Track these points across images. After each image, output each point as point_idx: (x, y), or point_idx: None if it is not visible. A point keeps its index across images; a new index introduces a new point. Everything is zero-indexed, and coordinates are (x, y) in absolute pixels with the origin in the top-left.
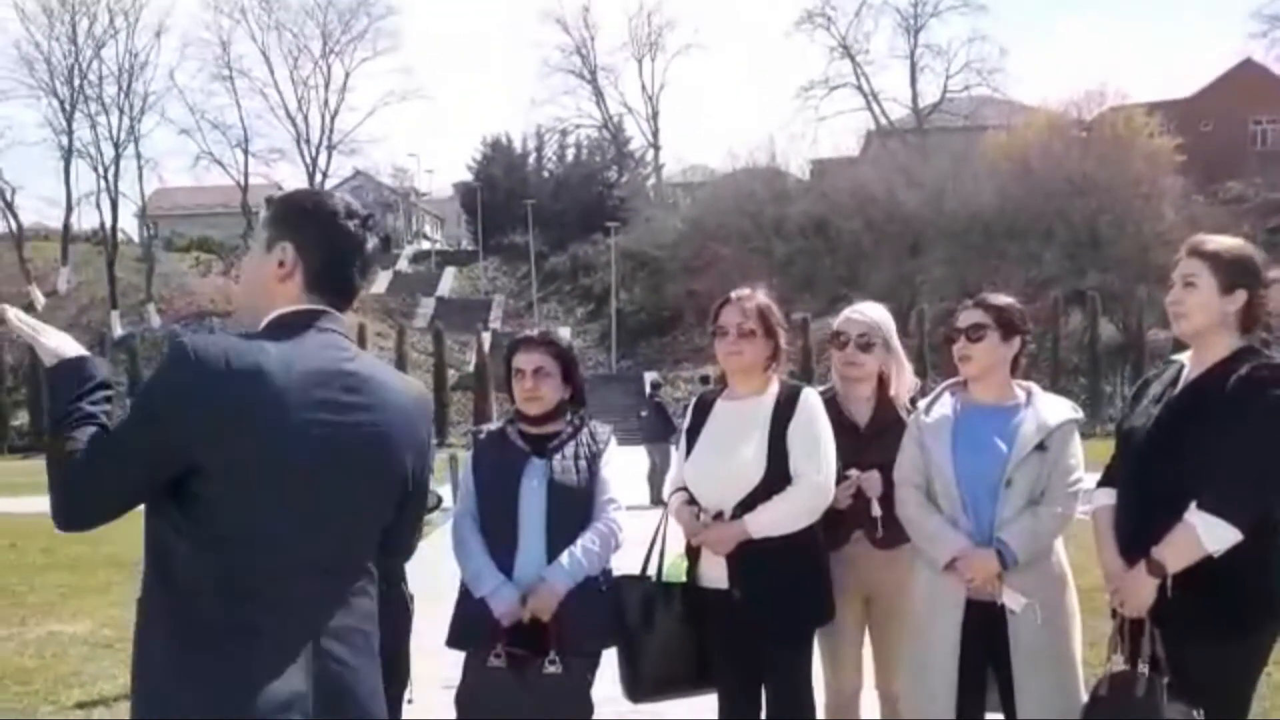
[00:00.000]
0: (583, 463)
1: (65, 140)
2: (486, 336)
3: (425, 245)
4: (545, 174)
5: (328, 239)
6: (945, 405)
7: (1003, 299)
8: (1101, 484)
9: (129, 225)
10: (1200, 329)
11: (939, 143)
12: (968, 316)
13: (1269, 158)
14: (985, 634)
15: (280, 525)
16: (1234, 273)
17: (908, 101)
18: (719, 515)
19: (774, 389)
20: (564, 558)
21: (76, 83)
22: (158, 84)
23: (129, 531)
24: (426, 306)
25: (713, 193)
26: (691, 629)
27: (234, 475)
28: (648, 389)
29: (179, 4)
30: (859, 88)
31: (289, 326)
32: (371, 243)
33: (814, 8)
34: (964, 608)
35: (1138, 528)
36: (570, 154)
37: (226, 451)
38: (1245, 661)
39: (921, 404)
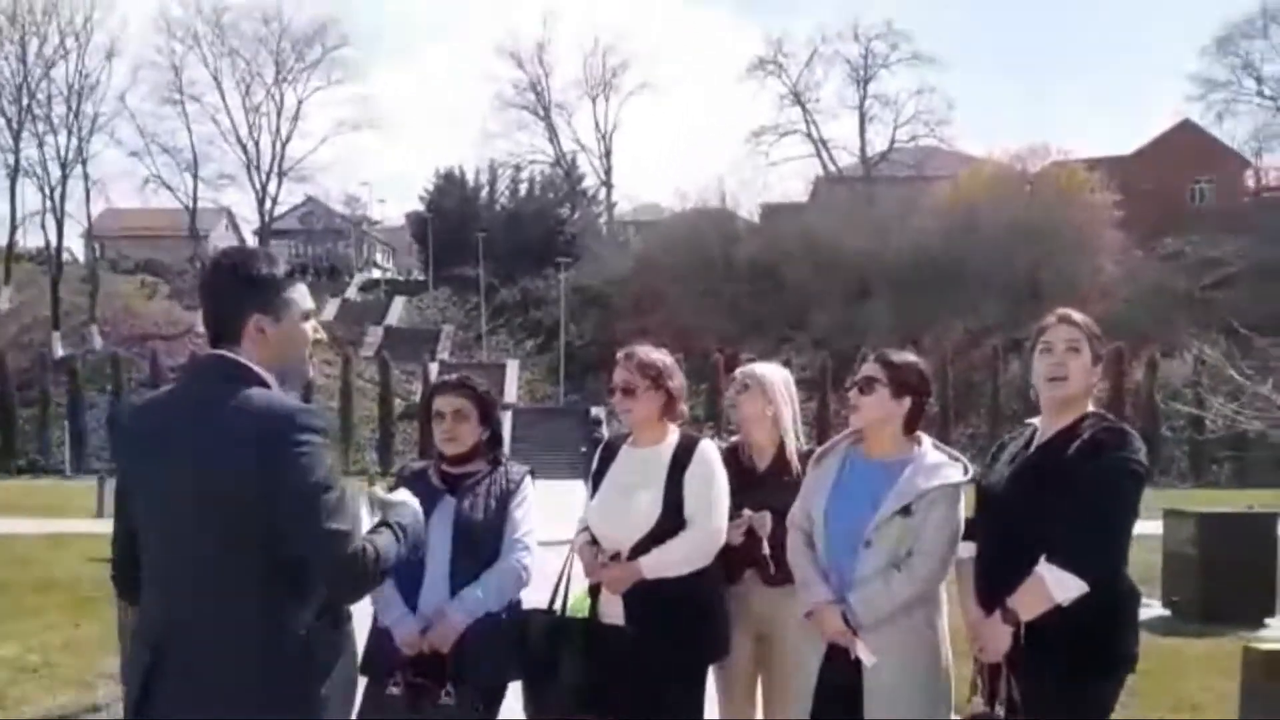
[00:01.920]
0: (493, 501)
1: (11, 159)
2: (434, 367)
3: (375, 274)
4: (498, 207)
5: None
6: (836, 455)
7: (904, 357)
8: (965, 538)
9: (75, 245)
10: (1075, 394)
11: (886, 191)
12: (865, 369)
13: (1205, 216)
14: (843, 685)
15: None
16: (1098, 345)
17: (856, 150)
18: (616, 555)
19: (673, 439)
20: (465, 592)
21: (24, 102)
22: (108, 106)
23: (61, 557)
24: (374, 335)
25: (663, 232)
26: (592, 663)
27: None
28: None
29: (131, 27)
30: (809, 135)
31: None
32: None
33: (766, 55)
34: (824, 653)
35: (995, 579)
36: (523, 189)
37: None
38: (1094, 704)
39: (819, 450)
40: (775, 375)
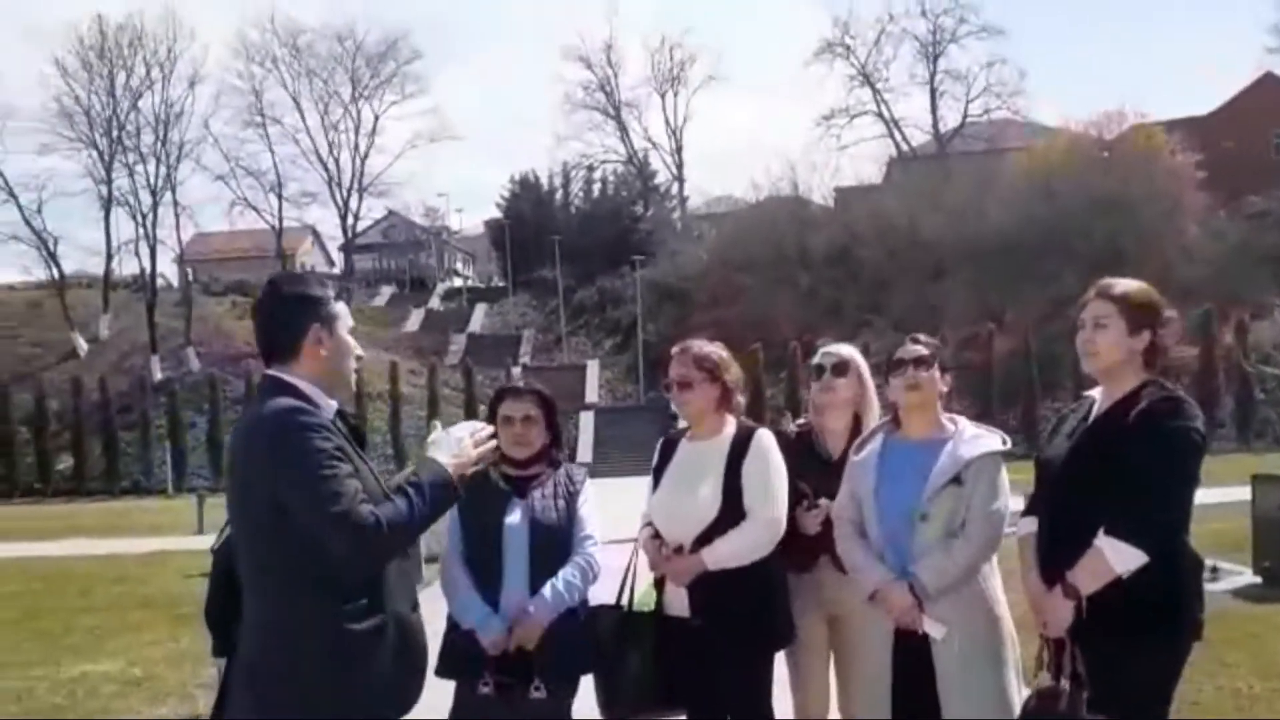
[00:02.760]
0: (561, 502)
1: (105, 190)
2: (516, 371)
3: (457, 283)
4: (572, 209)
5: None
6: (875, 443)
7: (930, 339)
8: (1026, 513)
9: (168, 270)
10: (1108, 366)
11: (960, 167)
12: (912, 350)
13: None
14: (916, 662)
15: None
16: (1141, 314)
17: (929, 127)
18: (679, 548)
19: (730, 430)
20: (546, 590)
21: (115, 134)
22: (193, 132)
23: (161, 574)
24: (458, 343)
25: (736, 223)
26: (660, 655)
27: None
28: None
29: (212, 54)
30: (880, 115)
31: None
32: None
33: (833, 38)
34: (893, 637)
35: (1055, 553)
36: (596, 189)
37: None
38: (1158, 674)
39: (857, 440)
40: (861, 360)
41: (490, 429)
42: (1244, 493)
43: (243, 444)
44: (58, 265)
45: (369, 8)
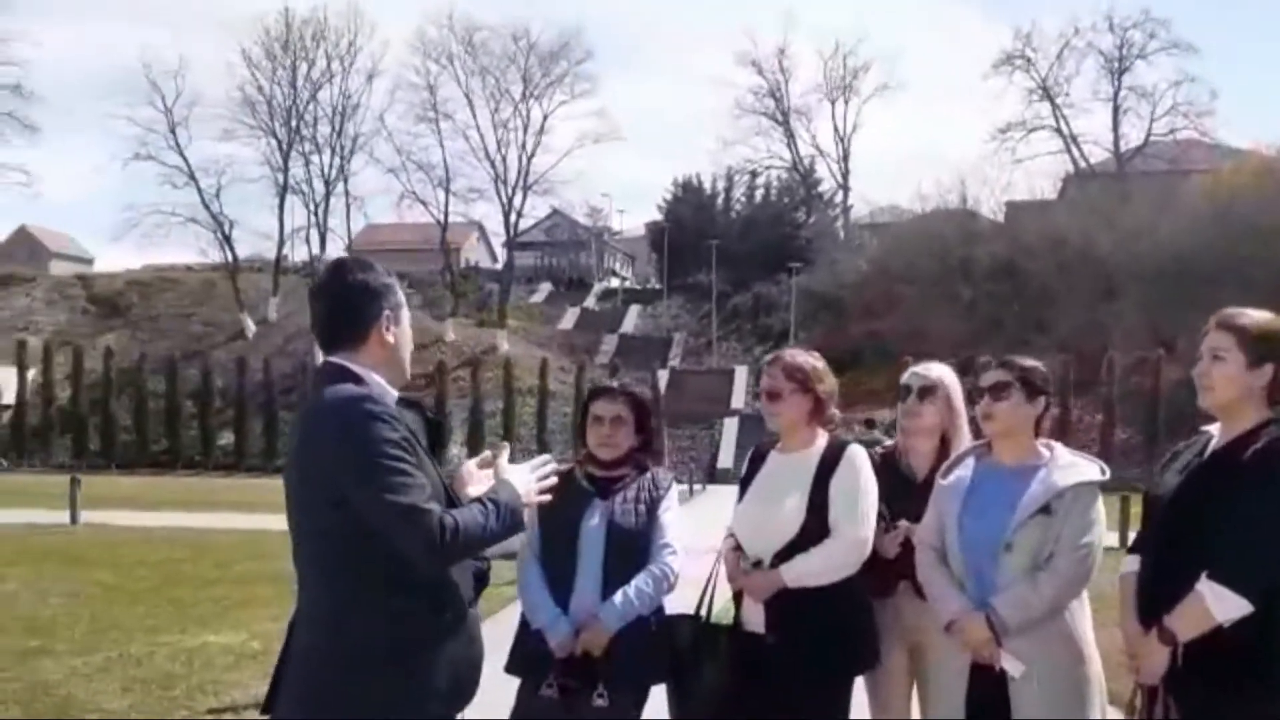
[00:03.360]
0: (642, 507)
1: (281, 178)
2: (663, 374)
3: (614, 283)
4: (733, 214)
5: None
6: (965, 468)
7: (1028, 361)
8: (1132, 550)
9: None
10: (1226, 402)
11: (1140, 186)
12: (991, 376)
13: None
14: (994, 699)
15: None
16: (1262, 347)
17: (1109, 144)
18: (759, 563)
19: (821, 444)
20: (617, 597)
21: (294, 123)
22: (368, 125)
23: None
24: (609, 343)
25: (900, 234)
26: (735, 670)
27: None
28: None
29: (391, 50)
30: (1058, 130)
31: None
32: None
33: (1014, 50)
34: (969, 672)
35: (1157, 594)
36: (759, 195)
37: None
38: None
39: (945, 464)
40: (955, 381)
41: (554, 466)
42: None
43: (304, 431)
44: (232, 249)
45: (543, 7)
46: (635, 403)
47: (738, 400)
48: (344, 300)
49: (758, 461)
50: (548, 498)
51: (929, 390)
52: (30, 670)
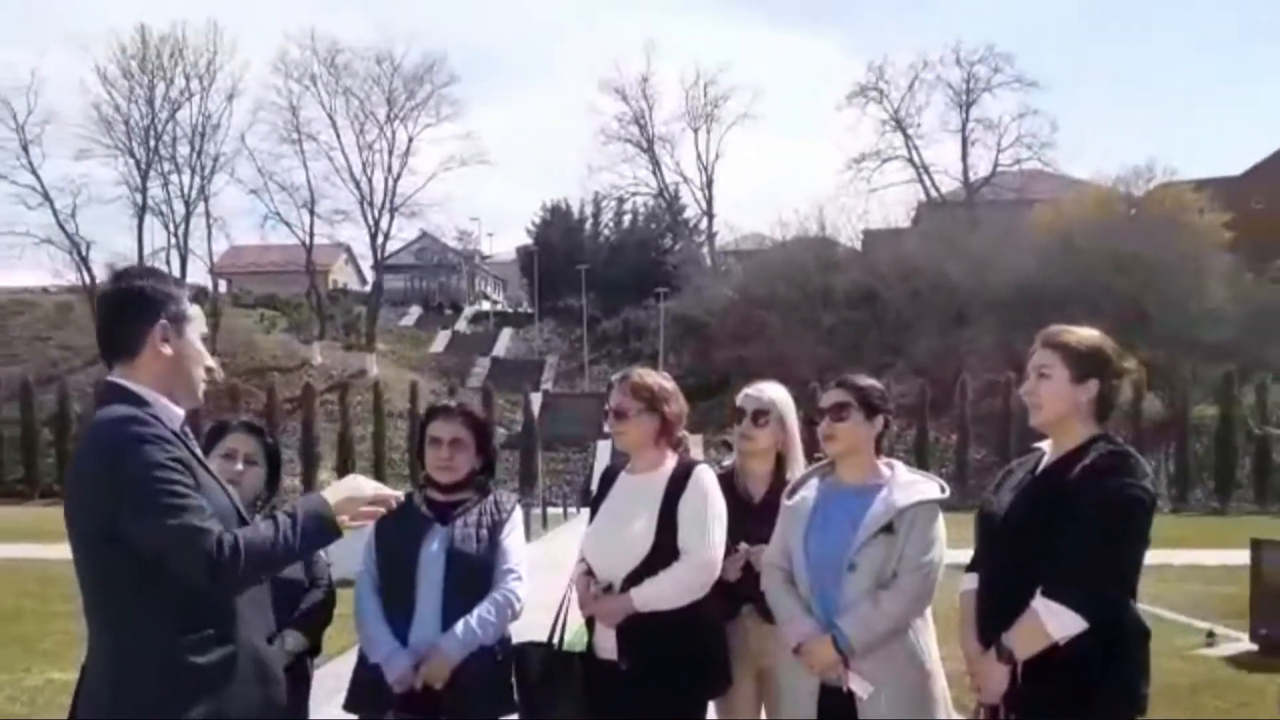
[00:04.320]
0: (484, 531)
1: (139, 198)
2: (536, 397)
3: (486, 306)
4: (601, 239)
5: None
6: (810, 488)
7: (865, 380)
8: (970, 568)
9: (201, 280)
10: (1054, 418)
11: (988, 215)
12: (831, 396)
13: None
14: (841, 717)
15: None
16: (1085, 364)
17: (959, 174)
18: (609, 587)
19: (669, 465)
20: (459, 626)
21: (152, 143)
22: (229, 145)
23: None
24: (481, 366)
25: (763, 261)
26: (589, 697)
27: None
28: None
29: (252, 69)
30: (910, 160)
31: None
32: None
33: (867, 82)
34: (817, 693)
35: (994, 613)
36: (626, 220)
37: None
38: None
39: (790, 485)
40: (789, 402)
41: (398, 495)
42: (1244, 557)
43: (76, 456)
44: (89, 270)
45: (409, 30)
46: (474, 423)
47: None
48: (117, 309)
49: (608, 483)
50: (366, 524)
51: (763, 413)
52: None
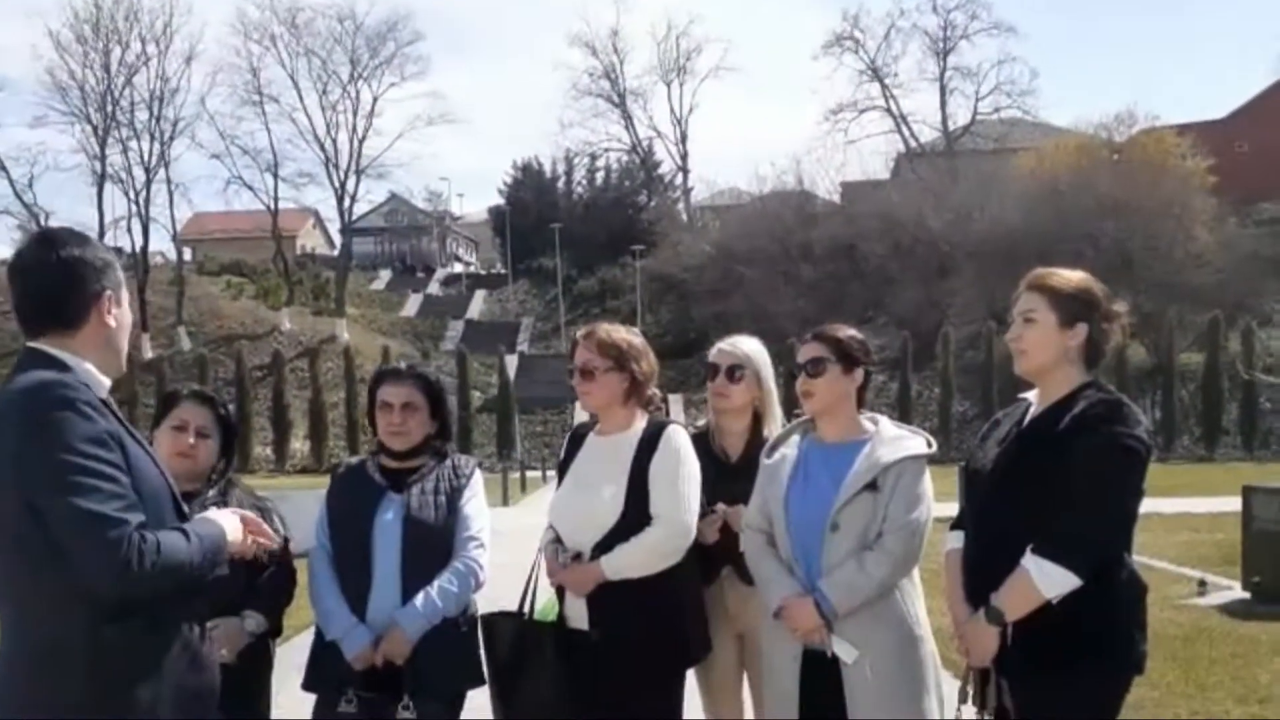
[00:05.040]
0: (442, 498)
1: (98, 166)
2: (511, 359)
3: (458, 269)
4: (575, 197)
5: None
6: (791, 445)
7: (844, 331)
8: (954, 526)
9: (165, 248)
10: (1041, 366)
11: (968, 165)
12: (807, 350)
13: None
14: (825, 686)
15: None
16: (1073, 306)
17: (938, 124)
18: (578, 555)
19: (639, 425)
20: (418, 599)
21: (109, 109)
22: (188, 110)
23: None
24: (455, 329)
25: (740, 216)
26: (562, 670)
27: None
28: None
29: (209, 31)
30: (888, 110)
31: None
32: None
33: (842, 31)
34: (800, 658)
35: (982, 572)
36: (600, 177)
37: None
38: (1093, 711)
39: (769, 443)
40: (764, 357)
41: (272, 539)
42: (1236, 504)
43: None
44: None
45: None
46: (426, 385)
47: None
48: (58, 278)
49: (575, 445)
50: (251, 549)
51: (737, 368)
52: None
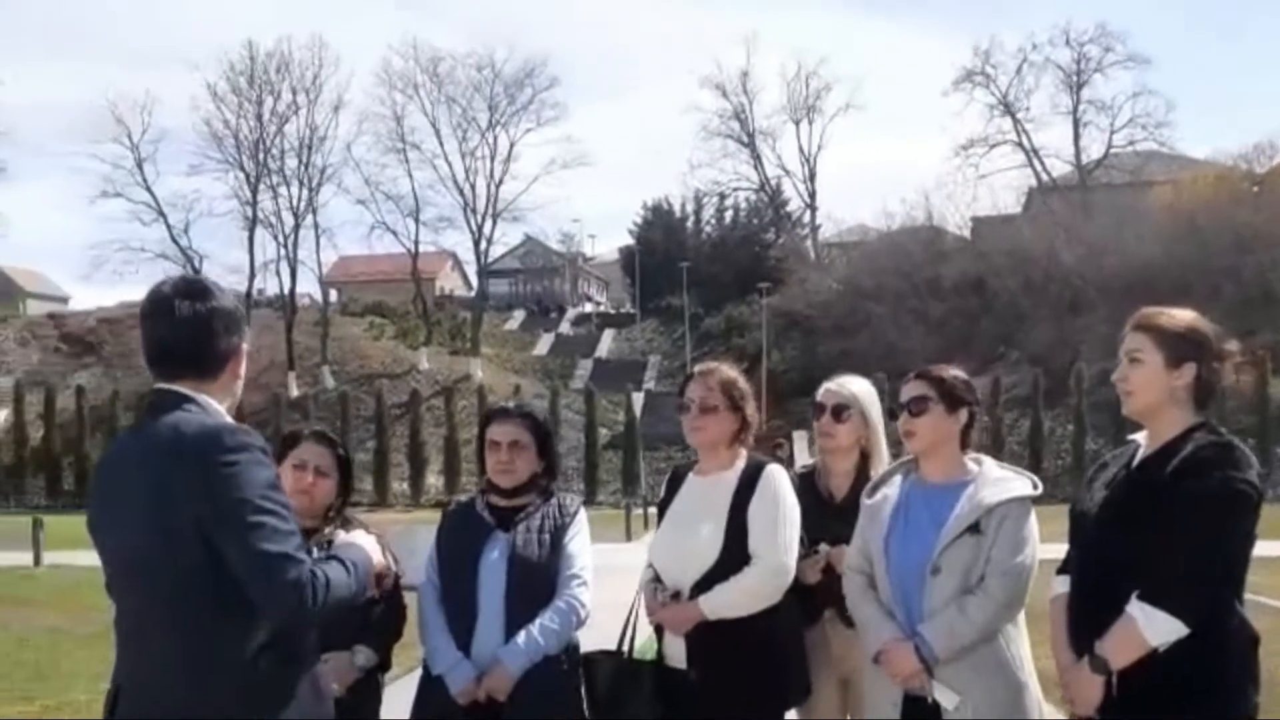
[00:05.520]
0: (546, 536)
1: (249, 211)
2: (638, 397)
3: (588, 308)
4: (703, 236)
5: None
6: (893, 486)
7: (948, 370)
8: (1060, 570)
9: (312, 290)
10: (1147, 406)
11: (1102, 199)
12: (909, 389)
13: None
14: None
15: None
16: (1180, 346)
17: (1070, 157)
18: (677, 594)
19: (739, 465)
20: (521, 636)
21: (260, 157)
22: (335, 157)
23: None
24: (584, 367)
25: (868, 252)
26: (659, 708)
27: None
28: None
29: (355, 81)
30: (1020, 144)
31: None
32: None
33: (973, 66)
34: (901, 705)
35: (1087, 618)
36: (728, 216)
37: None
38: None
39: (870, 484)
40: (873, 396)
41: (385, 568)
42: None
43: (156, 462)
44: None
45: (508, 37)
46: (534, 425)
47: None
48: (205, 326)
49: (674, 486)
50: (387, 568)
51: (843, 408)
52: None
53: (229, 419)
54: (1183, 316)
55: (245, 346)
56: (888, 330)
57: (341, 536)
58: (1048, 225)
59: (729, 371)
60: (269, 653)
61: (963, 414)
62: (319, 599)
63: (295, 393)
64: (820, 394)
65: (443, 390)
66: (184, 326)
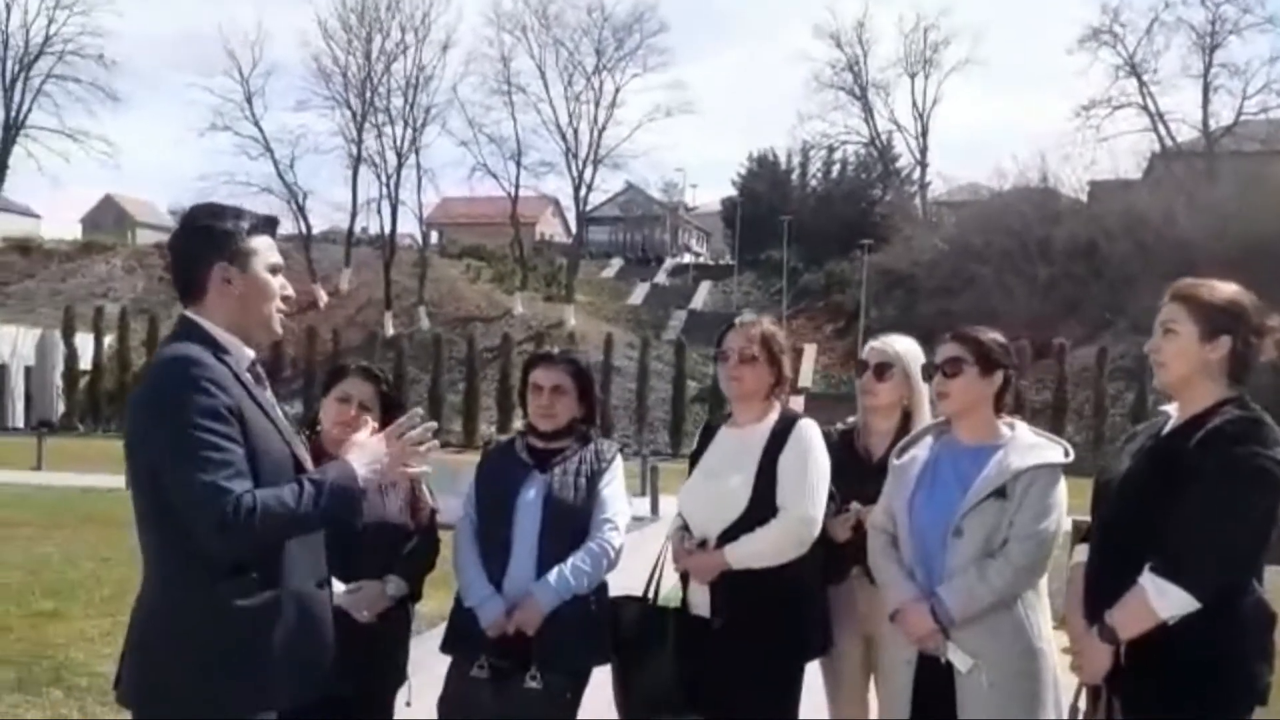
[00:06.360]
0: (582, 480)
1: (354, 149)
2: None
3: (687, 259)
4: (808, 190)
5: None
6: (923, 447)
7: (985, 333)
8: (1082, 539)
9: (412, 230)
10: (1179, 378)
11: (1229, 167)
12: (944, 350)
13: None
14: (939, 692)
15: None
16: (1217, 319)
17: (1198, 123)
18: (704, 543)
19: (773, 417)
20: (552, 574)
21: (367, 95)
22: (440, 97)
23: None
24: (677, 319)
25: (978, 212)
26: (682, 656)
27: None
28: None
29: (465, 21)
30: (1144, 108)
31: None
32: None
33: (1100, 25)
34: (916, 664)
35: (1102, 587)
36: (835, 170)
37: None
38: None
39: (900, 443)
40: (916, 356)
41: (424, 426)
42: None
43: (137, 389)
44: (306, 219)
45: None
46: (576, 371)
47: (805, 379)
48: (181, 251)
49: (707, 437)
50: (424, 468)
51: (886, 366)
52: (38, 633)
53: (222, 338)
54: (1224, 289)
55: (226, 267)
56: (991, 292)
57: (358, 436)
58: (1168, 191)
59: (769, 325)
60: (229, 583)
61: (998, 377)
62: (242, 520)
63: (390, 332)
64: (865, 352)
65: (535, 335)
66: (171, 254)
